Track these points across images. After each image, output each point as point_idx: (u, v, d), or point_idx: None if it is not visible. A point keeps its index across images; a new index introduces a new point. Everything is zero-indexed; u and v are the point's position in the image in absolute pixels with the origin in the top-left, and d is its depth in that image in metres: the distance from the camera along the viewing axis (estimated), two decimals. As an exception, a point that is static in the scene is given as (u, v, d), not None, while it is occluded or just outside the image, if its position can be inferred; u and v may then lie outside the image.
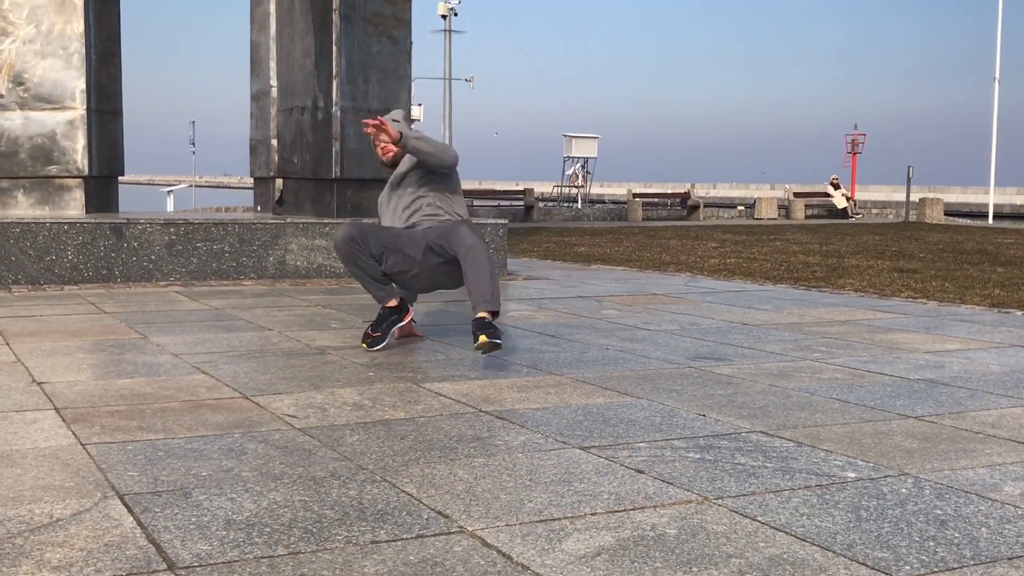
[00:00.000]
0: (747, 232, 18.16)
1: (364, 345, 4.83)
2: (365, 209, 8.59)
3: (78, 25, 7.98)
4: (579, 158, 39.86)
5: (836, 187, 29.42)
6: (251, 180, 10.55)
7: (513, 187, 33.40)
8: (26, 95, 7.96)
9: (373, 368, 4.38)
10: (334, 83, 8.39)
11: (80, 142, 8.06)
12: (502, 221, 8.80)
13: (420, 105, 41.90)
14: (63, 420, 3.37)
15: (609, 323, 5.90)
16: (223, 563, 2.13)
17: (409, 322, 5.03)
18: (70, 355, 4.60)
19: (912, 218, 25.74)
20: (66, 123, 8.03)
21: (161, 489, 2.63)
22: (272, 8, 9.43)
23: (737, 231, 18.58)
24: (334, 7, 8.37)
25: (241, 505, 2.51)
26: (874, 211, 35.40)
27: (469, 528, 2.37)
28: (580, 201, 37.13)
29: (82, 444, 3.07)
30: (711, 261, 11.05)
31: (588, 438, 3.22)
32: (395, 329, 4.94)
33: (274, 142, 9.48)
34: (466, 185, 26.37)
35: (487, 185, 49.20)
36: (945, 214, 27.08)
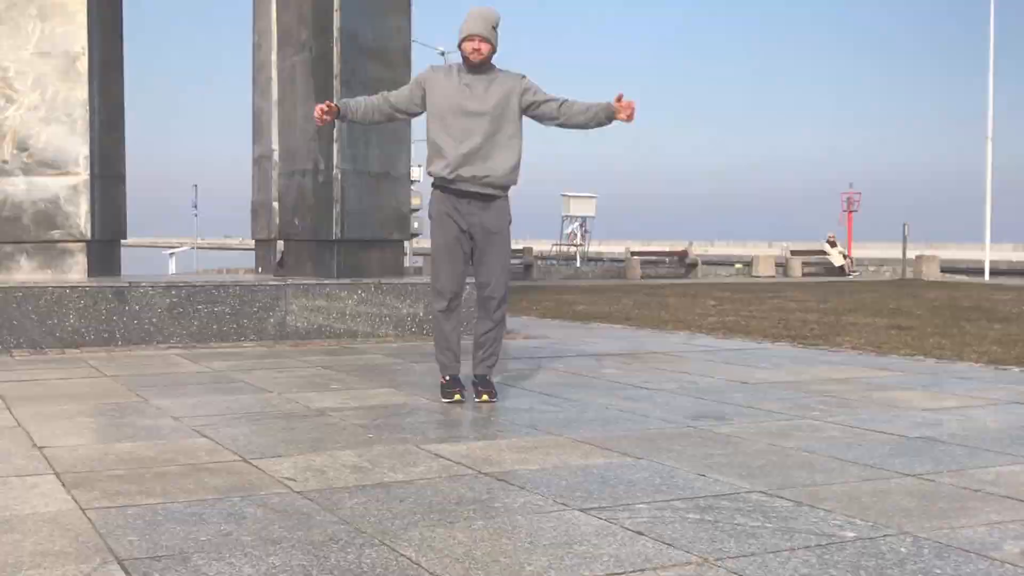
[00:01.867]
0: (745, 290, 18.21)
1: (457, 396, 5.11)
2: (366, 270, 8.64)
3: (82, 93, 8.09)
4: (577, 217, 40.09)
5: (833, 245, 29.61)
6: (252, 242, 10.63)
7: (512, 245, 33.49)
8: (30, 161, 8.05)
9: (372, 430, 4.39)
10: (335, 147, 8.50)
11: (83, 207, 8.13)
12: None
13: (419, 167, 42.18)
14: (63, 484, 3.38)
15: (608, 382, 5.91)
16: (223, 629, 2.13)
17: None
18: (71, 419, 4.61)
19: (909, 275, 25.84)
20: (69, 188, 8.11)
21: (160, 554, 2.63)
22: (274, 74, 9.59)
23: (735, 289, 18.64)
24: (335, 73, 8.51)
25: (240, 570, 2.51)
26: (871, 268, 35.54)
27: (468, 591, 2.37)
28: (579, 259, 37.28)
29: (82, 509, 3.08)
30: (710, 319, 11.08)
31: (587, 499, 3.22)
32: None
33: (275, 204, 9.57)
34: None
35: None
36: (942, 270, 27.19)
